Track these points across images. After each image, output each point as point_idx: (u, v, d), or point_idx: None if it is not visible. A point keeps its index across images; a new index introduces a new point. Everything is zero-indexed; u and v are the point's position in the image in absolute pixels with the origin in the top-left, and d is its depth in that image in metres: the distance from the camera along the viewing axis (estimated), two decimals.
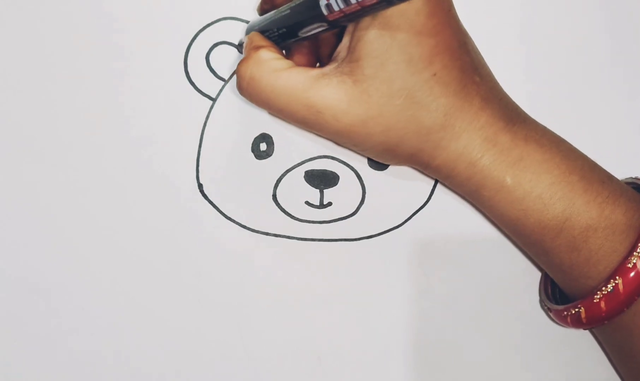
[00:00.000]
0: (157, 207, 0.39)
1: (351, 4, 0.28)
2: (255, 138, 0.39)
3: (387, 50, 0.30)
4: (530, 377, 0.39)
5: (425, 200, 0.40)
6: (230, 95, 0.39)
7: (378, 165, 0.40)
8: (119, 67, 0.39)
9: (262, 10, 0.37)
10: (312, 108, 0.32)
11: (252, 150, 0.39)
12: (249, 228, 0.39)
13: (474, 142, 0.32)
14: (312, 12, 0.31)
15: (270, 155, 0.39)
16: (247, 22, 0.39)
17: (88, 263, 0.39)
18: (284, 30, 0.34)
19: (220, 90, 0.39)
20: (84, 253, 0.39)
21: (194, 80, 0.39)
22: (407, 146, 0.33)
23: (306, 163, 0.39)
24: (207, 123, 0.39)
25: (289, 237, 0.39)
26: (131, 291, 0.39)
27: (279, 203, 0.39)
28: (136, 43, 0.39)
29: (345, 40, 0.32)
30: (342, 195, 0.39)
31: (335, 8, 0.29)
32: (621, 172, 0.41)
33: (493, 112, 0.33)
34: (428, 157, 0.33)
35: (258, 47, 0.33)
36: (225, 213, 0.39)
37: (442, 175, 0.34)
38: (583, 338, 0.40)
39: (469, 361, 0.39)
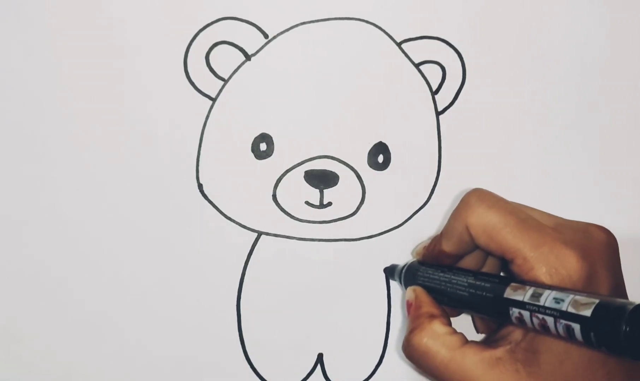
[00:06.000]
0: (157, 207, 0.39)
1: (551, 332, 0.28)
2: (255, 139, 0.39)
3: (568, 349, 0.30)
4: None
5: (425, 200, 0.40)
6: (230, 95, 0.39)
7: (378, 165, 0.40)
8: (119, 67, 0.39)
9: (422, 258, 0.37)
10: None
11: (252, 150, 0.39)
12: (249, 228, 0.39)
13: None
14: (495, 311, 0.31)
15: (270, 155, 0.39)
16: (247, 22, 0.39)
17: (88, 262, 0.39)
18: (455, 304, 0.34)
19: (220, 90, 0.39)
20: (84, 252, 0.39)
21: (194, 80, 0.39)
22: None
23: (306, 163, 0.39)
24: (207, 123, 0.39)
25: (289, 237, 0.39)
26: (130, 290, 0.39)
27: (279, 203, 0.39)
28: (136, 43, 0.39)
29: None
30: (342, 195, 0.39)
31: (528, 325, 0.29)
32: (621, 171, 0.41)
33: None
34: None
35: (432, 317, 0.33)
36: (225, 213, 0.39)
37: None
38: None
39: None
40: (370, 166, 0.40)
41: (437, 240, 0.36)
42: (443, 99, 0.40)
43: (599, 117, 0.41)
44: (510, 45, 0.40)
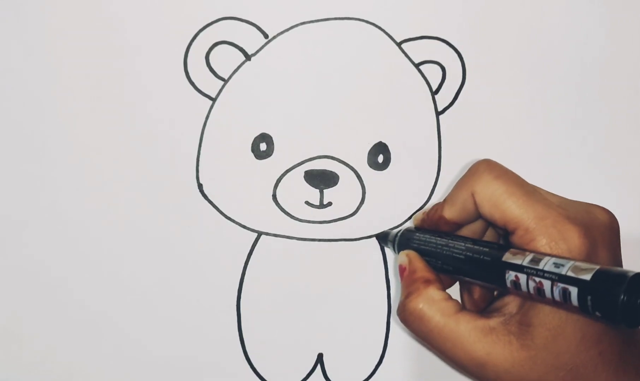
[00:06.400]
0: (157, 207, 0.39)
1: (545, 297, 0.28)
2: (255, 138, 0.39)
3: (561, 325, 0.30)
4: None
5: (425, 200, 0.40)
6: (230, 95, 0.39)
7: (378, 165, 0.40)
8: (119, 67, 0.39)
9: (421, 224, 0.37)
10: (475, 361, 0.31)
11: (252, 150, 0.39)
12: (249, 228, 0.39)
13: None
14: (491, 275, 0.31)
15: (270, 155, 0.39)
16: (247, 22, 0.39)
17: (88, 262, 0.39)
18: (449, 267, 0.34)
19: (220, 90, 0.39)
20: (84, 252, 0.39)
21: (194, 80, 0.39)
22: None
23: (306, 163, 0.39)
24: (207, 123, 0.39)
25: (289, 237, 0.40)
26: (130, 290, 0.39)
27: (279, 203, 0.39)
28: (136, 43, 0.39)
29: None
30: (342, 195, 0.39)
31: (523, 289, 0.29)
32: (620, 171, 0.41)
33: None
34: None
35: (427, 282, 0.34)
36: (225, 213, 0.39)
37: None
38: None
39: None
40: (370, 166, 0.40)
41: (439, 206, 0.36)
42: (443, 99, 0.40)
43: (599, 117, 0.41)
44: (510, 45, 0.40)
